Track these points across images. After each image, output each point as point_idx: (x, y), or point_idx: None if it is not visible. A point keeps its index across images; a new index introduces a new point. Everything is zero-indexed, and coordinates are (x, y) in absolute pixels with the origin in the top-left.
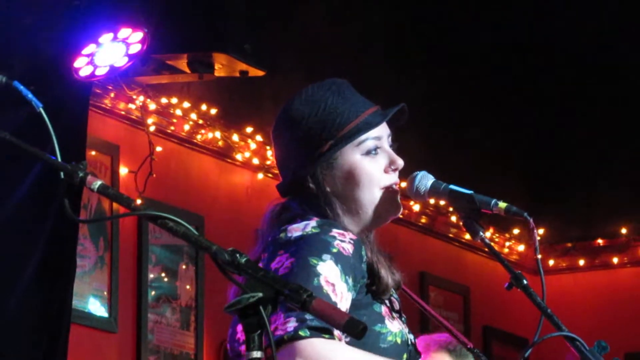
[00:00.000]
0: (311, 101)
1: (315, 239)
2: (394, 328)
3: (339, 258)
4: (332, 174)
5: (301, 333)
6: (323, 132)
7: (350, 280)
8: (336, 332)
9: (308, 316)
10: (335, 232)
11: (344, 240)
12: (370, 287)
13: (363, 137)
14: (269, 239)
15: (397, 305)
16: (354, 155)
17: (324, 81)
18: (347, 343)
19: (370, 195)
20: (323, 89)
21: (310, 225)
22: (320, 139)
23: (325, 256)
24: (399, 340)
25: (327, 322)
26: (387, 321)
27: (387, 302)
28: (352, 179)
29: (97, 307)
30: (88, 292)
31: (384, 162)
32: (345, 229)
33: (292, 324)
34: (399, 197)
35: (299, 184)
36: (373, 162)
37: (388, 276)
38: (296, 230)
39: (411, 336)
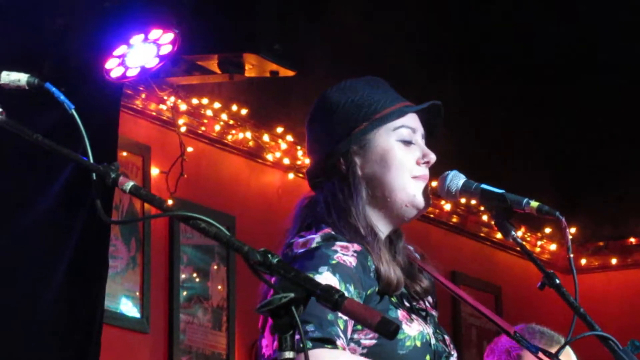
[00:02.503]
0: (348, 90)
1: (316, 253)
2: (412, 331)
3: (336, 268)
4: (365, 154)
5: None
6: (359, 114)
7: (351, 288)
8: (339, 342)
9: (309, 327)
10: (338, 245)
11: (346, 254)
12: (383, 290)
13: (399, 123)
14: (284, 245)
15: (423, 305)
16: (389, 139)
17: (360, 77)
18: (364, 354)
19: (401, 181)
20: (360, 82)
21: (315, 240)
22: (357, 120)
23: (322, 268)
24: (418, 343)
25: (360, 322)
26: (404, 325)
27: (406, 304)
28: (384, 162)
29: (129, 308)
30: (120, 293)
31: (417, 154)
32: (357, 241)
33: None
34: (428, 190)
35: (329, 167)
36: (407, 151)
37: (390, 270)
38: (300, 245)
39: (439, 335)
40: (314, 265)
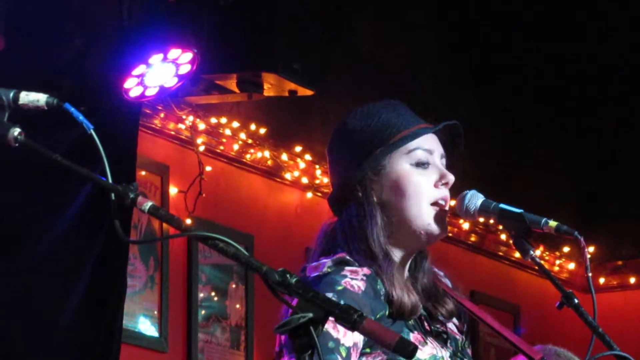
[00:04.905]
0: (366, 116)
1: (325, 279)
2: (424, 355)
3: (342, 295)
4: (380, 181)
5: None
6: (375, 140)
7: None
8: None
9: None
10: (347, 270)
11: (355, 278)
12: (397, 314)
13: (413, 145)
14: (301, 269)
15: (446, 328)
16: (403, 164)
17: (380, 101)
18: None
19: (417, 209)
20: (378, 106)
21: (326, 265)
22: (372, 146)
23: (328, 295)
24: None
25: (378, 342)
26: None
27: (426, 326)
28: (399, 189)
29: (147, 327)
30: (138, 312)
31: (434, 177)
32: (362, 265)
33: None
34: (446, 217)
35: (347, 193)
36: (423, 175)
37: (404, 295)
38: (313, 270)
39: (457, 359)
40: (320, 291)
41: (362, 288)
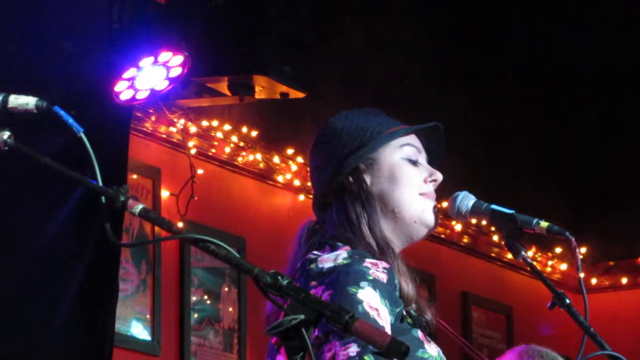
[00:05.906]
0: (350, 118)
1: (350, 269)
2: (433, 352)
3: (376, 284)
4: (373, 172)
5: (366, 358)
6: (365, 134)
7: (388, 305)
8: None
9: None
10: (368, 262)
11: (378, 270)
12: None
13: (404, 140)
14: (297, 265)
15: (429, 329)
16: (395, 156)
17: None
18: None
19: (409, 198)
20: (361, 111)
21: (342, 256)
22: (362, 140)
23: (363, 283)
24: None
25: (369, 343)
26: (426, 345)
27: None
28: (392, 178)
29: (139, 331)
30: (130, 316)
31: (424, 173)
32: (378, 258)
33: (354, 349)
34: (436, 209)
35: (338, 185)
36: (414, 170)
37: (408, 285)
38: (327, 261)
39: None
40: (353, 280)
41: (385, 280)
